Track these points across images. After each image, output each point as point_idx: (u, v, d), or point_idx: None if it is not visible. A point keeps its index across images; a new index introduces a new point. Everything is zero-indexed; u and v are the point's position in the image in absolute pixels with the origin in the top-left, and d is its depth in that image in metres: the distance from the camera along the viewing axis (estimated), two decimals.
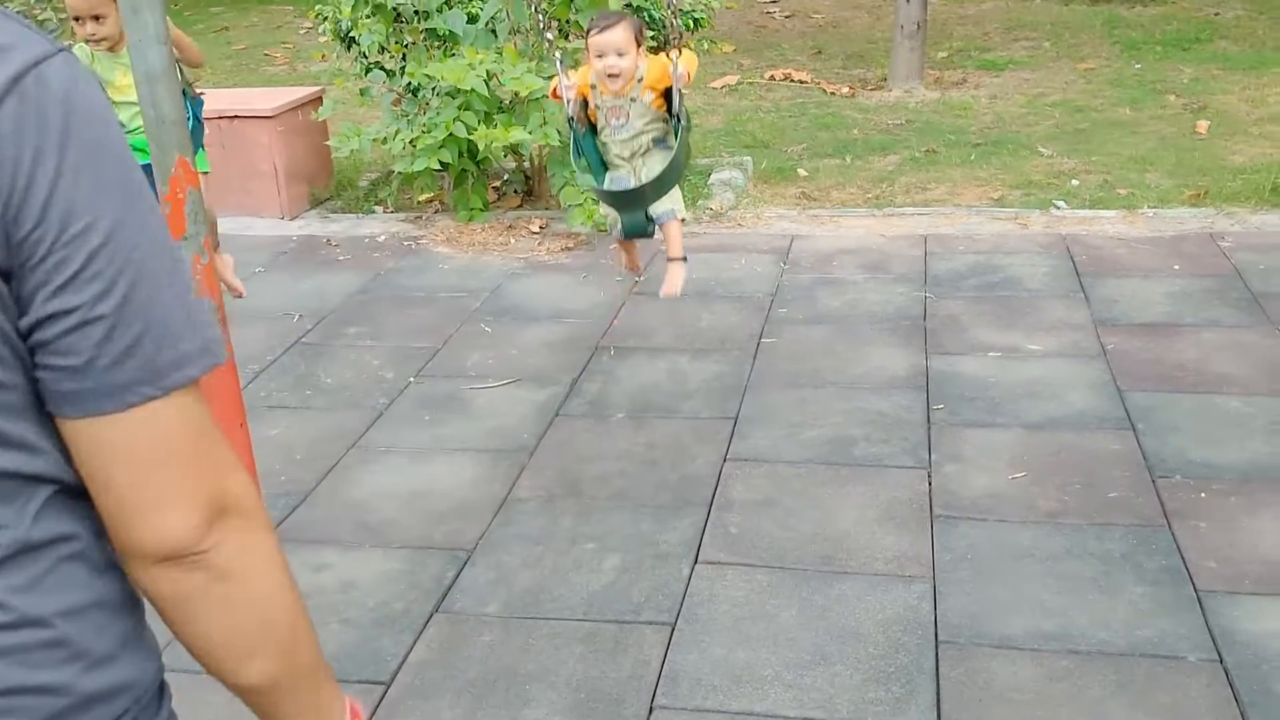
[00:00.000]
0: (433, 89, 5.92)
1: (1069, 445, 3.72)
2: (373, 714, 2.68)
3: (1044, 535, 3.25)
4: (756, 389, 4.22)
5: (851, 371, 4.32)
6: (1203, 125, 7.49)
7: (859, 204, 6.40)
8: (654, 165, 3.65)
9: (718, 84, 9.53)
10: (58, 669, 0.92)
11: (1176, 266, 5.18)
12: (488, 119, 5.81)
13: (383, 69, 6.27)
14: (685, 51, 3.44)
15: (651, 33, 6.46)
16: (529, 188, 6.61)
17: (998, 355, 4.39)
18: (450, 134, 5.70)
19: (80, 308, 0.87)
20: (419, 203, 6.56)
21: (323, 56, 7.36)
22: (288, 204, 6.53)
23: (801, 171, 7.02)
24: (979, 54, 10.17)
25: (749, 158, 7.17)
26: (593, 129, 3.68)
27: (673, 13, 3.75)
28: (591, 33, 3.42)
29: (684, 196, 6.29)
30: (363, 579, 3.20)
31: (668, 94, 3.51)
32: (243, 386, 4.38)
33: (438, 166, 5.92)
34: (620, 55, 3.39)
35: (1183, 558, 3.11)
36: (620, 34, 3.39)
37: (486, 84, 5.71)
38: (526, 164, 6.54)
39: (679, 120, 3.52)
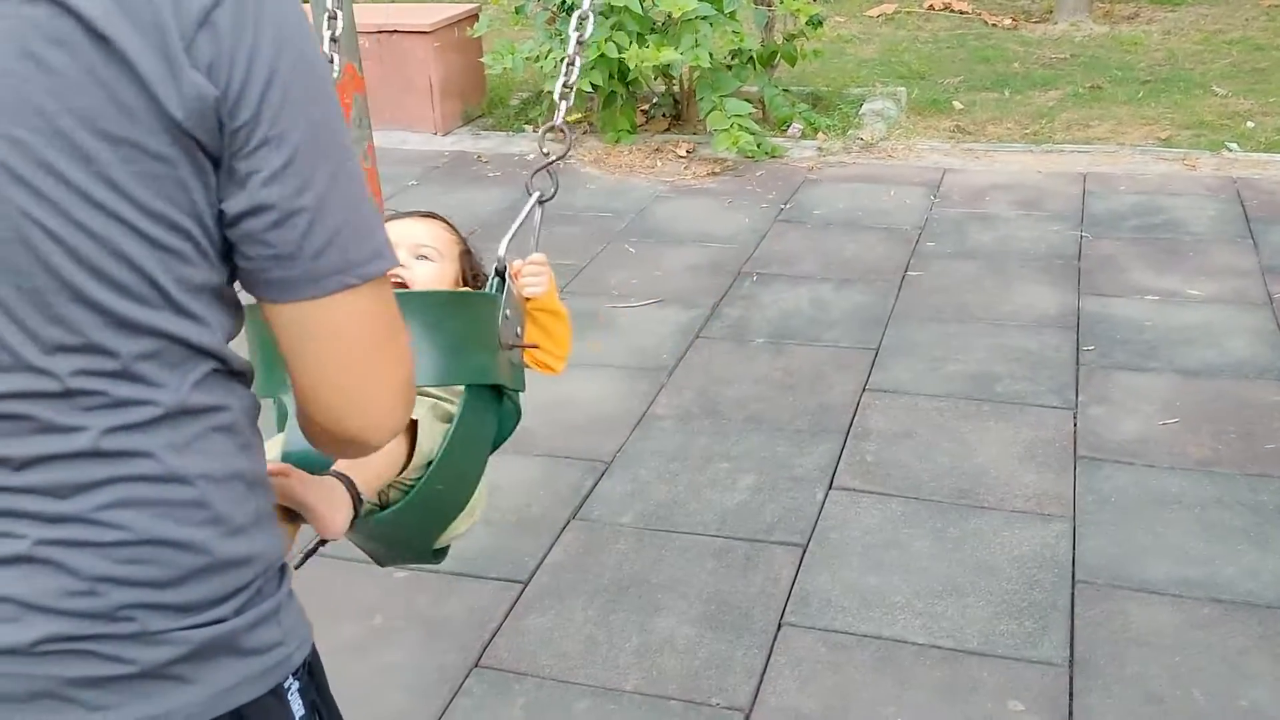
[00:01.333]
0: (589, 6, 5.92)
1: (1226, 393, 3.58)
2: (510, 610, 2.78)
3: (1193, 483, 3.16)
4: (899, 321, 4.17)
5: (999, 308, 4.23)
6: None
7: (1015, 140, 6.21)
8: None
9: (874, 12, 9.29)
10: (200, 528, 0.98)
11: None
12: (640, 39, 5.80)
13: None
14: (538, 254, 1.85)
15: None
16: (677, 111, 6.59)
17: (1155, 299, 4.24)
18: (602, 54, 5.71)
19: (286, 199, 0.93)
20: (568, 123, 6.59)
21: None
22: (441, 120, 6.65)
23: (957, 104, 6.83)
24: None
25: (903, 89, 7.00)
26: None
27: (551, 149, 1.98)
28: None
29: (831, 123, 6.11)
30: (503, 483, 3.30)
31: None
32: None
33: (588, 88, 5.94)
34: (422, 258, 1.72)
35: None
36: (437, 228, 1.85)
37: (640, 3, 5.69)
38: (676, 88, 6.52)
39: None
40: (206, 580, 0.99)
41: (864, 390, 3.72)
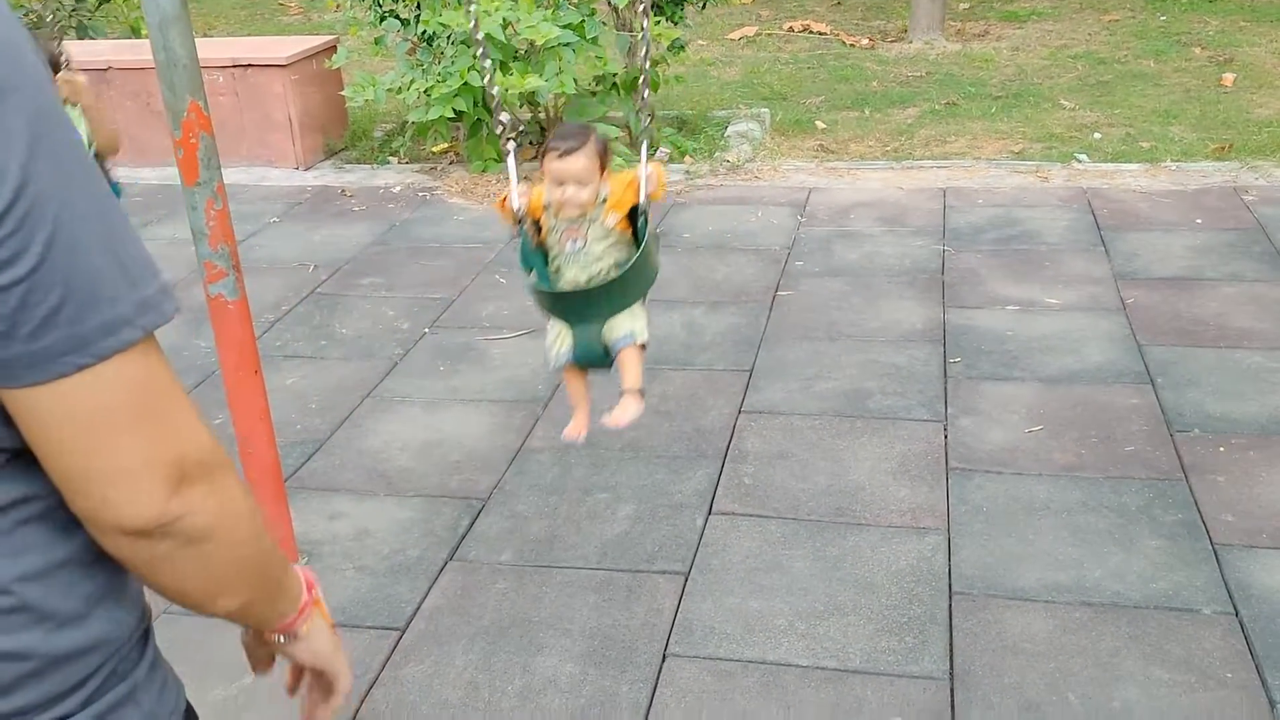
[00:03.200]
0: (447, 37, 5.87)
1: (1086, 399, 3.69)
2: (387, 659, 2.70)
3: (1060, 488, 3.24)
4: (772, 342, 4.20)
5: (867, 325, 4.30)
6: (1228, 78, 7.38)
7: (877, 157, 6.34)
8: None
9: (735, 35, 9.43)
10: (23, 633, 0.90)
11: (1199, 220, 5.12)
12: (503, 67, 5.76)
13: (397, 17, 6.22)
14: (653, 165, 2.75)
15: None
16: (544, 139, 6.56)
17: (1016, 309, 4.36)
18: (465, 82, 5.66)
19: None
20: (433, 153, 6.53)
21: (336, 5, 7.30)
22: (302, 154, 6.50)
23: (820, 124, 6.96)
24: (1001, 4, 10.04)
25: (766, 110, 7.10)
26: (544, 253, 2.85)
27: (648, 116, 2.98)
28: (549, 156, 2.68)
29: (697, 145, 6.25)
30: (377, 527, 3.21)
31: (633, 213, 2.77)
32: (258, 336, 4.39)
33: (452, 115, 5.88)
34: (581, 185, 2.66)
35: (1199, 511, 3.09)
36: (583, 161, 2.64)
37: (503, 30, 5.65)
38: (542, 114, 6.49)
39: (643, 227, 2.75)
40: (40, 682, 0.91)
41: (739, 412, 3.73)
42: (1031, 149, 6.32)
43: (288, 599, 1.12)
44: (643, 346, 2.83)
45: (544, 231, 2.79)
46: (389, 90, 5.92)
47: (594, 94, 6.18)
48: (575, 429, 2.98)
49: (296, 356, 4.29)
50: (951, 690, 2.52)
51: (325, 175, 6.44)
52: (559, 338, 2.84)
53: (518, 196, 2.77)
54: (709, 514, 3.20)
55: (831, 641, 2.69)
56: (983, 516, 3.13)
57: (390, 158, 6.58)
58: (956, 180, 5.83)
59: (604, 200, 2.72)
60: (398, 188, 6.16)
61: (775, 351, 4.12)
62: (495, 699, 2.56)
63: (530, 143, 6.60)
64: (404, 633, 2.79)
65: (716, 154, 6.28)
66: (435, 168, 6.41)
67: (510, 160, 2.87)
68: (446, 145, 6.48)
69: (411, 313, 4.61)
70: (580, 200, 2.67)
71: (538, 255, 2.81)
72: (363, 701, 2.56)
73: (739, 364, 4.05)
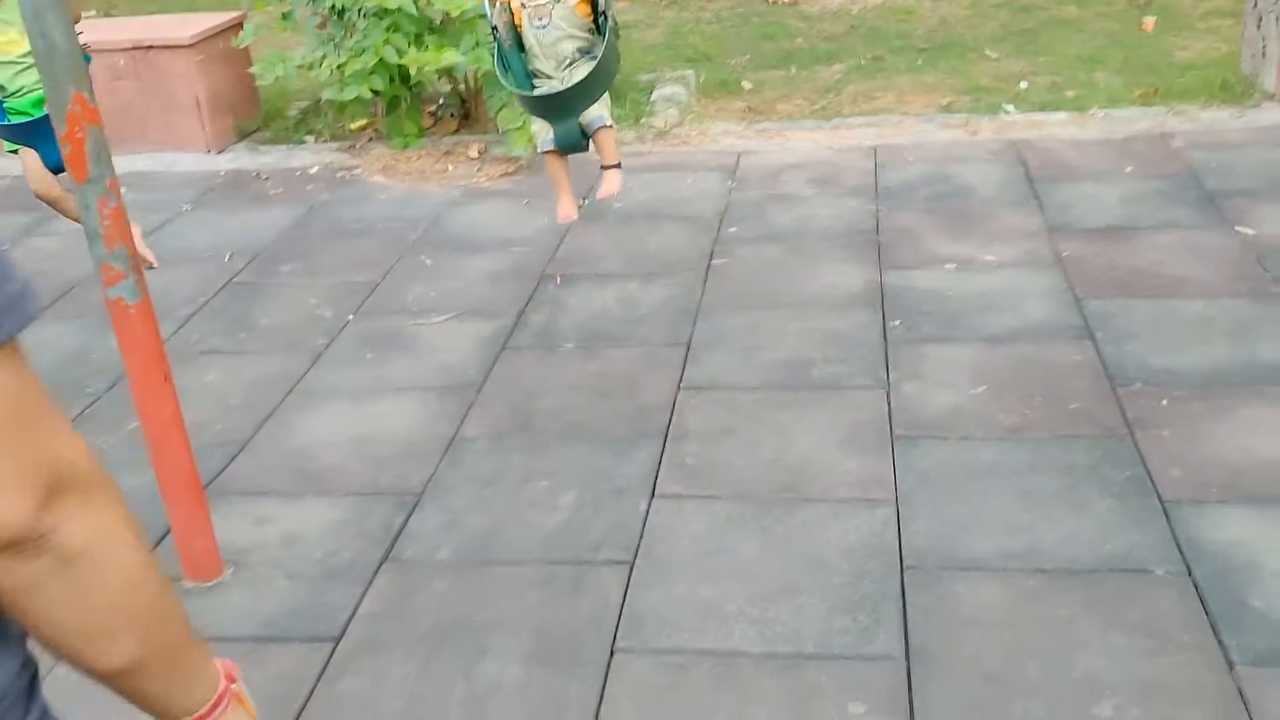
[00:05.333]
0: (359, 10, 5.65)
1: (1028, 357, 3.64)
2: (321, 673, 2.57)
3: (1007, 451, 3.18)
4: (709, 313, 4.10)
5: (805, 290, 4.21)
6: (1149, 21, 7.36)
7: (806, 116, 6.24)
8: (581, 75, 3.61)
9: None
10: None
11: (1129, 169, 5.10)
12: (418, 40, 5.57)
13: None
14: None
15: None
16: (465, 111, 6.38)
17: (953, 267, 4.30)
18: (380, 59, 5.46)
19: None
20: (351, 131, 6.31)
21: None
22: (212, 137, 6.25)
23: (746, 84, 6.84)
24: None
25: (691, 72, 6.96)
26: (519, 43, 3.62)
27: None
28: None
29: (623, 112, 6.15)
30: (307, 530, 3.07)
31: (594, 3, 3.52)
32: (173, 332, 4.21)
33: (369, 94, 5.68)
34: None
35: (1146, 468, 3.05)
36: None
37: (415, 3, 5.45)
38: (462, 86, 6.30)
39: (605, 24, 3.52)
40: None
41: (679, 389, 3.63)
42: (959, 102, 6.26)
43: (197, 679, 1.01)
44: (610, 127, 3.73)
45: (516, 11, 3.53)
46: (299, 67, 5.70)
47: None
48: (566, 211, 3.91)
49: (215, 352, 4.11)
50: (908, 669, 2.46)
51: (239, 158, 6.20)
52: (542, 129, 3.75)
53: (495, 10, 3.55)
54: (652, 497, 3.10)
55: (784, 625, 2.61)
56: (931, 485, 3.06)
57: (306, 137, 6.35)
58: (886, 137, 5.75)
59: None
60: (315, 168, 5.95)
61: (713, 322, 4.02)
62: (440, 709, 2.44)
63: (452, 115, 6.42)
64: (338, 643, 2.66)
65: (643, 120, 6.14)
66: (354, 145, 6.20)
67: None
68: (365, 122, 6.26)
69: (335, 299, 4.44)
70: None
71: (514, 52, 3.54)
72: None
73: (676, 337, 3.94)
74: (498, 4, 3.55)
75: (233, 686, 1.07)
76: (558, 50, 3.58)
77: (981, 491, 3.02)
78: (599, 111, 3.67)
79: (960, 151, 5.49)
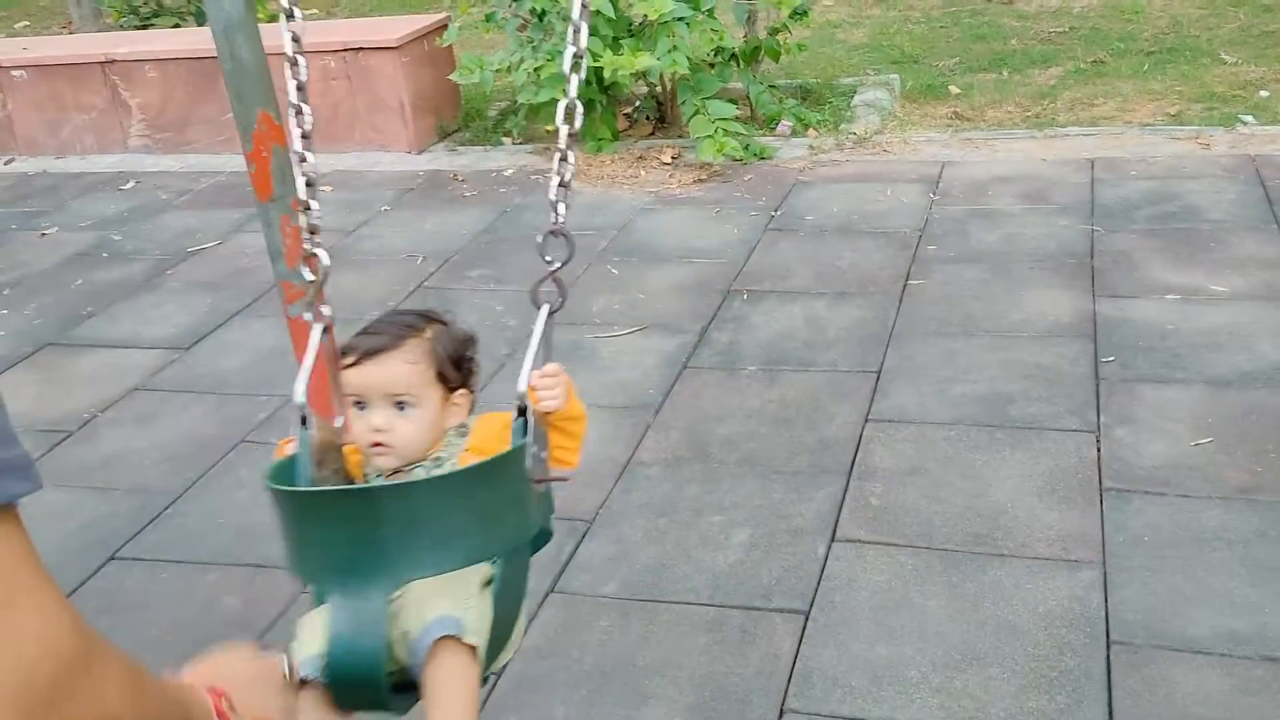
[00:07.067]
0: (558, 13, 5.63)
1: (1262, 406, 3.28)
2: (483, 706, 2.50)
3: (1234, 514, 2.86)
4: (902, 338, 3.87)
5: (1008, 318, 3.93)
6: None
7: (1017, 124, 5.89)
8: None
9: None
10: None
11: None
12: (615, 44, 5.50)
13: None
14: (553, 368, 1.46)
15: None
16: (661, 114, 6.29)
17: (1177, 298, 3.93)
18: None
19: None
20: (546, 133, 6.31)
21: None
22: (414, 137, 6.36)
23: (953, 89, 6.51)
24: None
25: (896, 75, 6.68)
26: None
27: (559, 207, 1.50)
28: (345, 358, 1.51)
29: (822, 117, 5.82)
30: None
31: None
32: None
33: (563, 97, 5.64)
34: (397, 406, 1.48)
35: None
36: (398, 368, 1.49)
37: (614, 5, 5.39)
38: (658, 90, 6.21)
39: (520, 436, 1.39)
40: None
41: (866, 420, 3.42)
42: (1190, 111, 5.78)
43: None
44: (472, 649, 1.32)
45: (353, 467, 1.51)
46: (496, 70, 5.72)
47: (712, 67, 5.87)
48: None
49: None
50: None
51: (438, 159, 6.29)
52: (308, 628, 1.33)
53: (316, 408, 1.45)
54: (832, 541, 2.92)
55: (971, 699, 2.39)
56: (1144, 548, 2.78)
57: (503, 139, 6.39)
58: (1106, 149, 5.35)
59: (461, 436, 1.52)
60: (510, 170, 5.97)
61: (906, 350, 3.80)
62: None
63: (647, 118, 6.34)
64: (500, 675, 2.59)
65: (842, 126, 5.92)
66: (548, 148, 6.19)
67: (314, 339, 1.49)
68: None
69: (520, 308, 4.41)
70: (399, 439, 1.46)
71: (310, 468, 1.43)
72: None
73: (865, 364, 3.74)
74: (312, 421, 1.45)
75: (222, 702, 1.03)
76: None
77: (1203, 560, 2.71)
78: (449, 605, 1.33)
79: (1189, 167, 5.05)
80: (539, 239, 1.42)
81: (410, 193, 5.84)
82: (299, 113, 1.60)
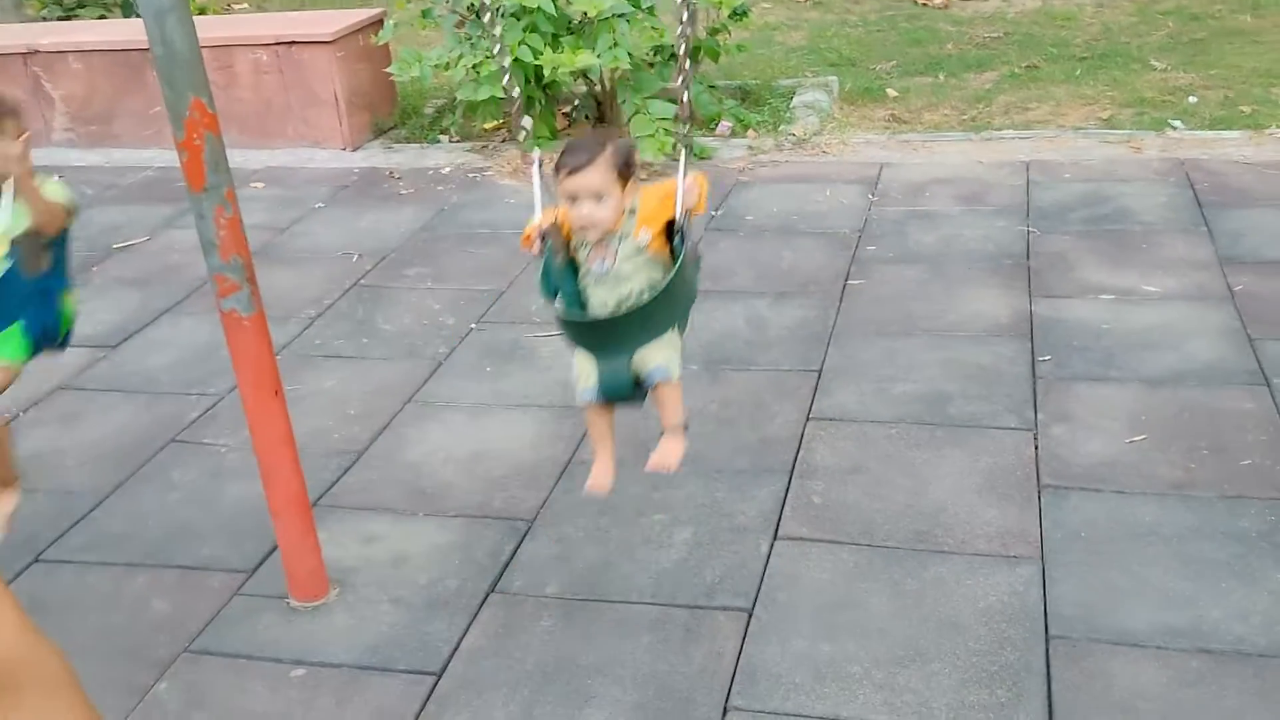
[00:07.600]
0: (497, 10, 5.56)
1: (1194, 403, 3.33)
2: (421, 708, 2.46)
3: (1169, 510, 2.90)
4: (842, 338, 3.88)
5: (947, 317, 3.96)
6: None
7: (953, 127, 5.95)
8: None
9: None
10: None
11: None
12: (555, 41, 5.46)
13: None
14: (693, 175, 2.44)
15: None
16: (600, 113, 6.26)
17: (1111, 298, 3.99)
18: (516, 59, 5.36)
19: None
20: (484, 131, 6.25)
21: None
22: (349, 134, 6.27)
23: (891, 92, 6.56)
24: None
25: (834, 77, 6.72)
26: (573, 264, 2.52)
27: (684, 85, 2.52)
28: (559, 174, 2.39)
29: (761, 118, 5.89)
30: (415, 553, 2.97)
31: (671, 227, 2.45)
32: (297, 334, 4.19)
33: (502, 95, 5.59)
34: (598, 199, 2.35)
35: None
36: (595, 176, 2.34)
37: (554, 3, 5.35)
38: (597, 88, 6.18)
39: (681, 247, 2.43)
40: None
41: (808, 419, 3.42)
42: (1121, 116, 5.88)
43: None
44: (675, 382, 2.50)
45: (573, 249, 2.50)
46: (435, 66, 5.65)
47: (651, 66, 5.85)
48: (598, 479, 2.63)
49: (337, 356, 4.06)
50: None
51: (373, 156, 6.20)
52: (584, 371, 2.52)
53: (544, 214, 2.52)
54: (774, 539, 2.91)
55: (913, 694, 2.39)
56: (1081, 543, 2.80)
57: (440, 136, 6.32)
58: (1040, 152, 5.43)
59: (633, 213, 2.42)
60: (447, 168, 5.90)
61: (846, 349, 3.81)
62: None
63: (586, 117, 6.31)
64: (440, 677, 2.54)
65: (782, 127, 5.94)
66: (487, 146, 6.14)
67: (535, 175, 2.67)
68: (498, 123, 6.20)
69: (458, 306, 4.35)
70: (599, 218, 2.38)
71: (566, 273, 2.50)
72: None
73: (807, 363, 3.74)
74: (549, 231, 2.51)
75: None
76: (619, 292, 2.45)
77: (1139, 555, 2.75)
78: (663, 358, 2.45)
79: (1121, 170, 5.14)
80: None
81: (345, 190, 5.75)
82: None
